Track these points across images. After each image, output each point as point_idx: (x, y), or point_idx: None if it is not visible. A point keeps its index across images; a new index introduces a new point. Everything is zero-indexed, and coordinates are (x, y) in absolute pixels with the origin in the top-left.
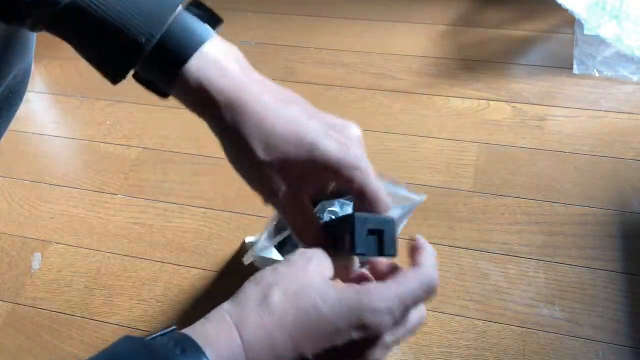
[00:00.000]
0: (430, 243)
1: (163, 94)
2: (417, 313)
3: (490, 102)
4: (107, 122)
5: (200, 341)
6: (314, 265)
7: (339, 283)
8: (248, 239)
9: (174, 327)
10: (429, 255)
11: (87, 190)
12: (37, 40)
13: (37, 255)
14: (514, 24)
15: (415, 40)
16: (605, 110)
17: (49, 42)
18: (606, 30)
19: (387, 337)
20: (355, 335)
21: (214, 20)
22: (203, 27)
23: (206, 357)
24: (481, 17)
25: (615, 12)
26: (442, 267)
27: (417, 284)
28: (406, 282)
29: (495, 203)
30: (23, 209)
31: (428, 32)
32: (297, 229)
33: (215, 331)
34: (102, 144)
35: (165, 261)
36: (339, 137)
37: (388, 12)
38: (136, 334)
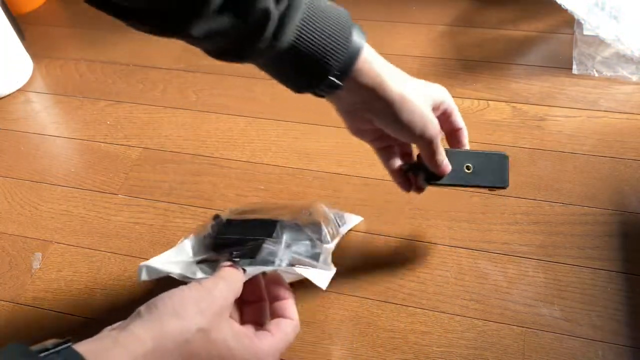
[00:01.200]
0: (430, 243)
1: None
2: (286, 327)
3: (490, 102)
4: (108, 122)
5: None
6: (220, 289)
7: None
8: (184, 242)
9: (69, 343)
10: (293, 304)
11: (87, 190)
12: (38, 41)
13: (38, 255)
14: (514, 24)
15: (415, 40)
16: (605, 111)
17: (50, 42)
18: (606, 30)
19: None
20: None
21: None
22: (360, 35)
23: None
24: (481, 17)
25: (615, 12)
26: (442, 267)
27: (292, 335)
28: (286, 337)
29: (495, 203)
30: (23, 208)
31: (428, 32)
32: (437, 156)
33: (107, 351)
34: (102, 144)
35: None
36: (434, 85)
37: (388, 12)
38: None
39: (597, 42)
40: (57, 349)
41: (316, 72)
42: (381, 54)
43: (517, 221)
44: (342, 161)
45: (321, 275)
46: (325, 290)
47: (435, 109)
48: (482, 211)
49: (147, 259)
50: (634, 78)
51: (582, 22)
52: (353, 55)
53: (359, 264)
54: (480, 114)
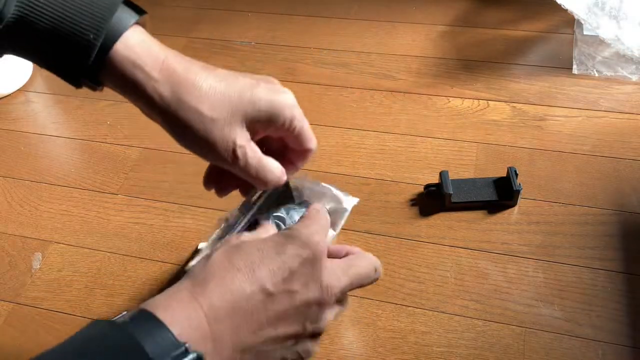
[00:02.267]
0: (430, 243)
1: (98, 83)
2: (364, 260)
3: (490, 102)
4: (108, 122)
5: (154, 309)
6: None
7: None
8: (201, 245)
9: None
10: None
11: (87, 190)
12: None
13: (38, 255)
14: (513, 24)
15: (415, 40)
16: (605, 111)
17: None
18: (606, 30)
19: (328, 267)
20: (301, 251)
21: (137, 10)
22: (129, 14)
23: (159, 320)
24: (481, 17)
25: (615, 12)
26: (442, 267)
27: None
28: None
29: (494, 203)
30: (23, 208)
31: (428, 33)
32: (262, 179)
33: (168, 296)
34: (102, 144)
35: (166, 261)
36: (272, 86)
37: (388, 12)
38: None
39: (597, 42)
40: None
41: (63, 55)
42: (382, 53)
43: (517, 221)
44: (342, 161)
45: (348, 198)
46: None
47: (261, 122)
48: (482, 211)
49: (148, 259)
50: (634, 78)
51: (582, 22)
52: (111, 36)
53: None
54: (480, 114)
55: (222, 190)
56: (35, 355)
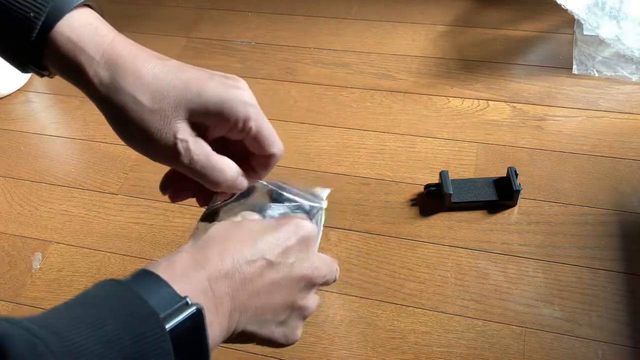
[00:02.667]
0: (430, 243)
1: (43, 68)
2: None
3: (490, 102)
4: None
5: (155, 269)
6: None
7: None
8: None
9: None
10: None
11: (87, 190)
12: None
13: (38, 255)
14: (513, 24)
15: (415, 40)
16: (605, 111)
17: None
18: (606, 30)
19: (315, 252)
20: (297, 230)
21: None
22: None
23: (160, 278)
24: (481, 17)
25: (615, 12)
26: (442, 267)
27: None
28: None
29: (494, 203)
30: (23, 208)
31: (428, 32)
32: (211, 179)
33: (168, 258)
34: (102, 144)
35: None
36: (226, 80)
37: (388, 12)
38: None
39: (597, 42)
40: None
41: (4, 35)
42: (382, 53)
43: (517, 221)
44: (342, 161)
45: (321, 194)
46: (326, 291)
47: (210, 119)
48: (482, 211)
49: (148, 259)
50: (634, 78)
51: (582, 22)
52: (53, 16)
53: (358, 264)
54: (481, 114)
55: (176, 196)
56: (45, 311)
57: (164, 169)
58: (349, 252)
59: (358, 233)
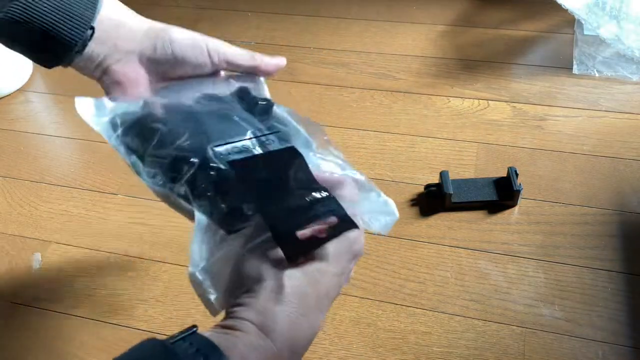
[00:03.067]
0: (430, 243)
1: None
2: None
3: (490, 102)
4: None
5: (222, 346)
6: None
7: None
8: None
9: (194, 329)
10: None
11: (87, 190)
12: None
13: (37, 255)
14: (514, 24)
15: (415, 40)
16: (605, 110)
17: None
18: (606, 30)
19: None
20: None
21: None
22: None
23: None
24: (481, 17)
25: (615, 12)
26: (442, 267)
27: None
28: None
29: (495, 203)
30: (23, 208)
31: (428, 32)
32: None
33: (236, 338)
34: (102, 144)
35: (166, 261)
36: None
37: (388, 12)
38: (139, 334)
39: (598, 41)
40: (184, 334)
41: (50, 52)
42: (382, 53)
43: (518, 221)
44: None
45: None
46: None
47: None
48: (482, 211)
49: (148, 260)
50: (635, 78)
51: (583, 21)
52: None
53: (358, 264)
54: (481, 113)
55: None
56: None
57: None
58: None
59: None
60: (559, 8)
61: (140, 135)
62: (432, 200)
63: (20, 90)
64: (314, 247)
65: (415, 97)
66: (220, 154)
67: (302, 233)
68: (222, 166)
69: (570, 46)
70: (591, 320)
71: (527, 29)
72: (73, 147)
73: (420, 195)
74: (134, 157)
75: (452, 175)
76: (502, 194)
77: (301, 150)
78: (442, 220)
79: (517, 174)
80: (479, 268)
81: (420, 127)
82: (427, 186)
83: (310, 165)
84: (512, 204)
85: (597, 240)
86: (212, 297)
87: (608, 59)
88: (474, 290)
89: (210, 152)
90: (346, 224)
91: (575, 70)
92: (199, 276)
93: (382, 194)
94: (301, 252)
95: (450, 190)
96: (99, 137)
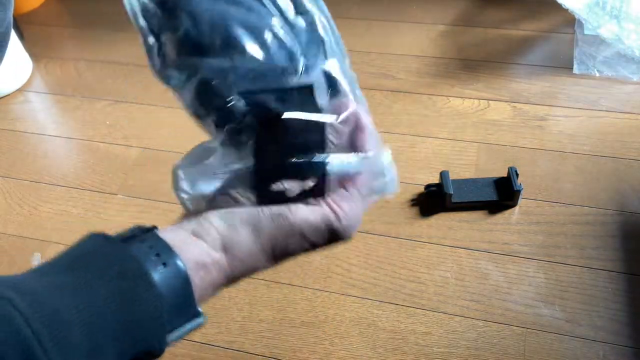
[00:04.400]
0: (431, 243)
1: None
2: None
3: (491, 102)
4: (107, 122)
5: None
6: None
7: None
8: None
9: (154, 229)
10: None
11: (87, 190)
12: (37, 41)
13: (37, 255)
14: (514, 24)
15: (415, 40)
16: (606, 110)
17: (49, 42)
18: (606, 30)
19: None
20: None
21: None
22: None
23: (181, 261)
24: (481, 17)
25: (616, 12)
26: (442, 267)
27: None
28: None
29: (495, 203)
30: (23, 209)
31: (428, 32)
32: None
33: (187, 244)
34: (102, 144)
35: None
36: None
37: (388, 12)
38: None
39: (598, 41)
40: (140, 234)
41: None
42: (382, 53)
43: (518, 221)
44: None
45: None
46: (325, 291)
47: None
48: (482, 211)
49: None
50: (635, 78)
51: (583, 21)
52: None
53: (358, 264)
54: (481, 113)
55: None
56: (29, 270)
57: (163, 169)
58: (349, 252)
59: (358, 233)
60: (559, 8)
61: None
62: (433, 200)
63: (20, 90)
64: (280, 202)
65: (415, 97)
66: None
67: (276, 185)
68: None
69: (571, 46)
70: (592, 320)
71: (527, 28)
72: (73, 147)
73: (420, 195)
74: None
75: (452, 175)
76: (502, 194)
77: (335, 58)
78: (442, 221)
79: (517, 174)
80: (479, 268)
81: (421, 127)
82: (428, 186)
83: (345, 80)
84: (513, 204)
85: (597, 241)
86: (186, 196)
87: (608, 59)
88: (474, 291)
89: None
90: (318, 191)
91: (575, 70)
92: (181, 174)
93: (390, 157)
94: (267, 202)
95: (451, 190)
96: (99, 137)
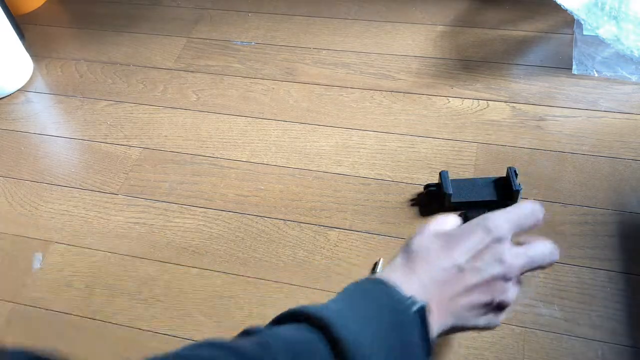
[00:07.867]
0: None
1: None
2: (540, 244)
3: (490, 103)
4: (108, 122)
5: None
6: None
7: None
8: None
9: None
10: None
11: (87, 190)
12: (38, 41)
13: (38, 255)
14: (513, 24)
15: (415, 40)
16: (605, 111)
17: (50, 42)
18: (605, 30)
19: (508, 248)
20: (484, 235)
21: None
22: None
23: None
24: (481, 17)
25: (615, 12)
26: None
27: (523, 208)
28: (514, 209)
29: (494, 203)
30: (24, 208)
31: (428, 33)
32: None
33: (388, 272)
34: (102, 144)
35: (166, 261)
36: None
37: (388, 12)
38: (139, 333)
39: (597, 42)
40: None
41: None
42: (381, 54)
43: None
44: (342, 161)
45: None
46: (326, 291)
47: None
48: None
49: (148, 259)
50: (634, 78)
51: (582, 22)
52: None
53: (359, 264)
54: (480, 114)
55: None
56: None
57: (164, 169)
58: (349, 252)
59: (358, 233)
60: (559, 8)
61: None
62: (432, 200)
63: (21, 90)
64: None
65: (415, 98)
66: None
67: None
68: None
69: (570, 46)
70: (590, 319)
71: (526, 29)
72: (74, 147)
73: (420, 195)
74: None
75: (452, 175)
76: (501, 193)
77: None
78: None
79: (516, 174)
80: None
81: (420, 127)
82: (427, 186)
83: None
84: (512, 204)
85: (596, 240)
86: None
87: (607, 59)
88: None
89: None
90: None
91: (574, 70)
92: None
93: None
94: None
95: (450, 190)
96: (100, 137)
